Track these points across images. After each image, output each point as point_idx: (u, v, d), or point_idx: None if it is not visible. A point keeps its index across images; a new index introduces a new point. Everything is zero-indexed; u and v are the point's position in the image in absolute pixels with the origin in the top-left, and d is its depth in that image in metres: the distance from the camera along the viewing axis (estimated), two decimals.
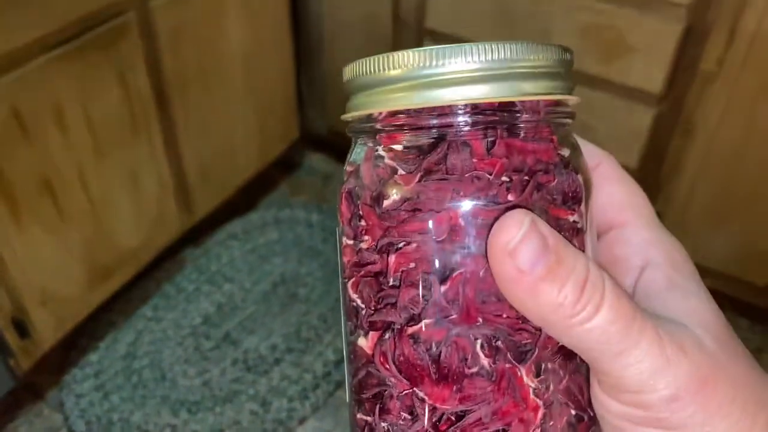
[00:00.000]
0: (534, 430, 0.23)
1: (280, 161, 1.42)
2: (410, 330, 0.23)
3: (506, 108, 0.22)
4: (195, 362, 1.11)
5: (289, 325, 1.17)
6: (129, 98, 0.98)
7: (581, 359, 0.23)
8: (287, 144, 1.40)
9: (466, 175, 0.22)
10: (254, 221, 1.35)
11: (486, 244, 0.21)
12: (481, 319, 0.22)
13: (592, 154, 0.26)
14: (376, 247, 0.23)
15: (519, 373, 0.23)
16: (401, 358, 0.23)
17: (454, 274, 0.22)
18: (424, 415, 0.23)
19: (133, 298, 1.20)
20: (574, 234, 0.23)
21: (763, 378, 0.23)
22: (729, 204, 1.03)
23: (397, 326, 0.23)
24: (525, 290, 0.21)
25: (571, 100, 0.24)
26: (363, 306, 0.24)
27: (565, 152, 0.24)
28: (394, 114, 0.23)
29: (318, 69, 1.38)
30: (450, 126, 0.22)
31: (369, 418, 0.25)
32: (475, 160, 0.22)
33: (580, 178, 0.23)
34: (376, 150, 0.24)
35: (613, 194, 0.27)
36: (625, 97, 0.99)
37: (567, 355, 0.23)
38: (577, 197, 0.23)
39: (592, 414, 0.24)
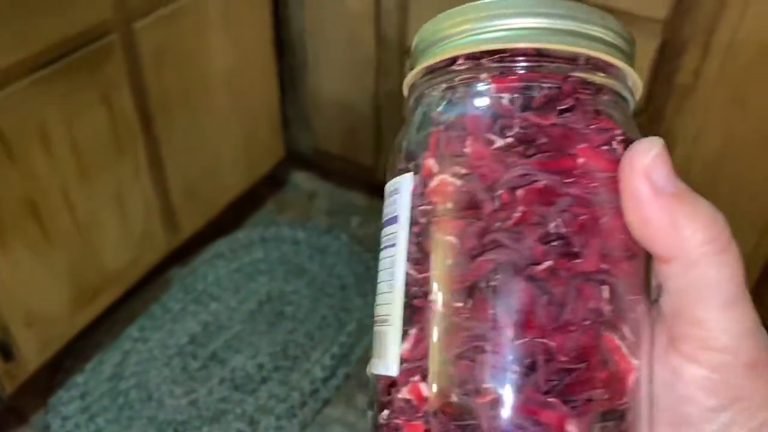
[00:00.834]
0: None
1: (265, 180, 1.42)
2: (528, 272, 0.22)
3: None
4: (182, 382, 1.11)
5: (276, 343, 1.16)
6: (113, 119, 0.98)
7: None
8: (273, 163, 1.40)
9: (591, 126, 0.23)
10: (240, 240, 1.35)
11: (617, 180, 0.22)
12: (605, 266, 0.22)
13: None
14: (494, 184, 0.22)
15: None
16: (519, 305, 0.22)
17: (580, 218, 0.22)
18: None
19: (119, 318, 1.19)
20: None
21: None
22: None
23: (516, 267, 0.22)
24: (659, 209, 0.22)
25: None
26: (461, 248, 0.22)
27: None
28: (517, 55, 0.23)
29: (303, 88, 1.39)
30: (567, 78, 0.23)
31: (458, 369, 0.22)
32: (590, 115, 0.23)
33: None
34: (486, 91, 0.24)
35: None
36: None
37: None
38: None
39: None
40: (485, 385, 0.21)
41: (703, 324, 0.22)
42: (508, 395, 0.21)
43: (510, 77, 0.23)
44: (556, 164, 0.22)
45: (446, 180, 0.23)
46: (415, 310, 0.23)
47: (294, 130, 1.48)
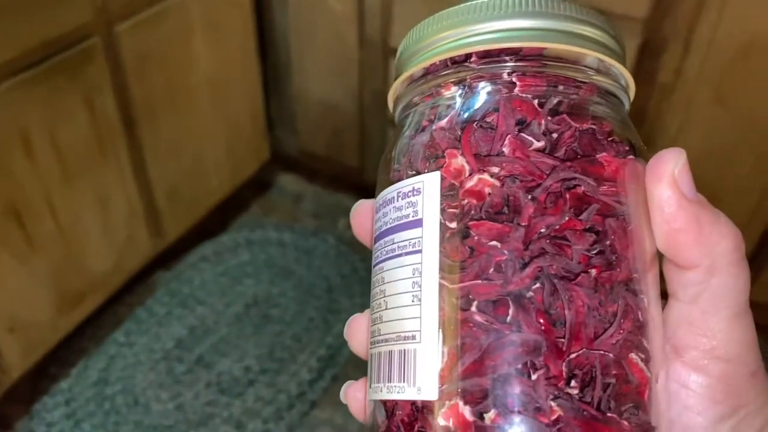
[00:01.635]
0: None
1: (251, 182, 1.42)
2: (578, 281, 0.21)
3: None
4: (168, 386, 1.10)
5: (263, 346, 1.16)
6: (96, 122, 0.98)
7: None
8: (258, 165, 1.40)
9: (609, 138, 0.23)
10: (226, 243, 1.35)
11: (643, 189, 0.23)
12: (636, 275, 0.22)
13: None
14: (536, 187, 0.21)
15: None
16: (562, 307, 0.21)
17: (615, 226, 0.22)
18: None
19: (104, 323, 1.19)
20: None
21: None
22: None
23: (564, 275, 0.21)
24: (687, 217, 0.22)
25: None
26: (507, 255, 0.21)
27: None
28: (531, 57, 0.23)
29: (287, 89, 1.39)
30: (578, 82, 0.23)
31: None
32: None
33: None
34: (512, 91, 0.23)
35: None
36: None
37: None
38: None
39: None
40: (547, 404, 0.20)
41: (712, 333, 0.22)
42: (571, 413, 0.20)
43: (534, 77, 0.23)
44: (593, 169, 0.22)
45: (485, 180, 0.22)
46: (449, 326, 0.21)
47: (279, 132, 1.47)
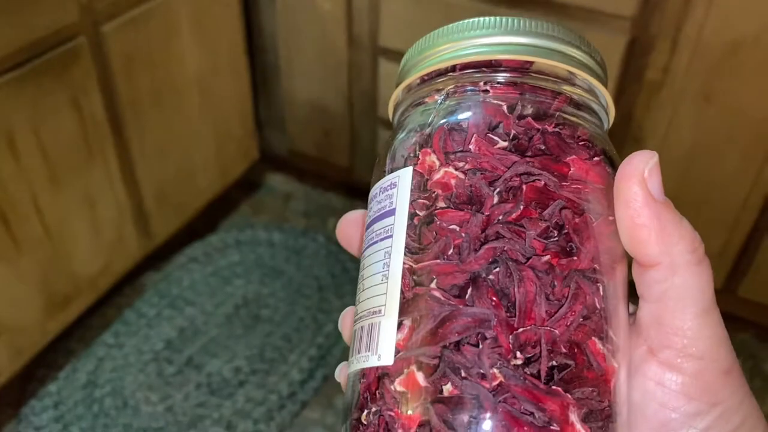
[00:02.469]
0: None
1: (240, 182, 1.41)
2: (530, 263, 0.23)
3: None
4: (158, 388, 1.10)
5: (253, 346, 1.16)
6: (83, 123, 0.97)
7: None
8: (247, 165, 1.40)
9: (580, 142, 0.25)
10: (215, 243, 1.34)
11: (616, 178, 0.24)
12: (597, 266, 0.23)
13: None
14: (496, 180, 0.23)
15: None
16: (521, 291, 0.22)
17: (576, 219, 0.23)
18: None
19: (92, 325, 1.18)
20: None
21: None
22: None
23: (518, 258, 0.23)
24: (651, 214, 0.23)
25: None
26: (464, 238, 0.23)
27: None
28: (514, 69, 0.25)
29: (276, 89, 1.39)
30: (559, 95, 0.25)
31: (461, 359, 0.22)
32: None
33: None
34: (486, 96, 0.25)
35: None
36: None
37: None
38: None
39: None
40: (490, 370, 0.21)
41: (682, 332, 0.23)
42: (512, 381, 0.21)
43: (508, 87, 0.25)
44: (556, 167, 0.24)
45: (450, 172, 0.24)
46: (410, 301, 0.23)
47: (268, 132, 1.47)
